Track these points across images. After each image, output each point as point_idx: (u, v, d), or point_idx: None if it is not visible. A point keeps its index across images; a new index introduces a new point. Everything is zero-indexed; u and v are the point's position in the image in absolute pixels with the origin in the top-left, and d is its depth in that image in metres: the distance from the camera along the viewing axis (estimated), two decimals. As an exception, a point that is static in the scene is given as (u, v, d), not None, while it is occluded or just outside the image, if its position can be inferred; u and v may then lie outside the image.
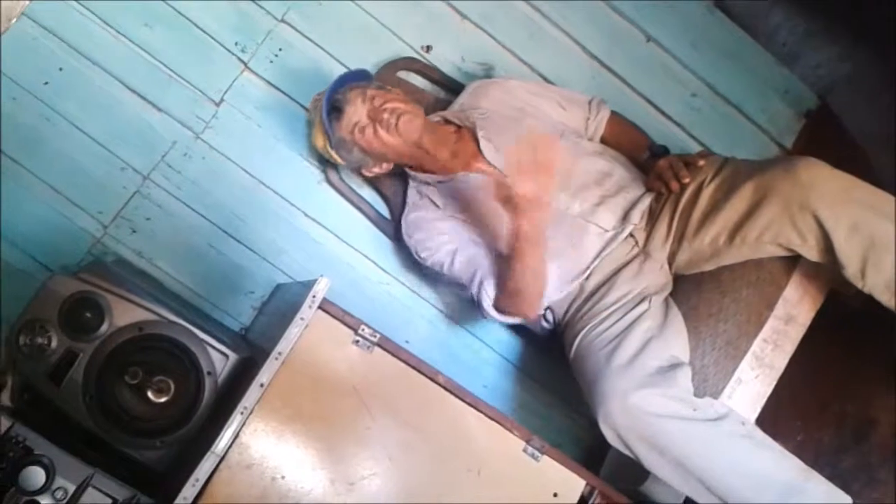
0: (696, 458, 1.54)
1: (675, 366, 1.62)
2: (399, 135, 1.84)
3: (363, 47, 2.16)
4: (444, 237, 1.89)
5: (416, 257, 1.95)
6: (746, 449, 1.56)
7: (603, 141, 2.07)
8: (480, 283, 1.81)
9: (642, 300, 1.76)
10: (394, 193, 2.10)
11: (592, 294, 1.82)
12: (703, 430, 1.55)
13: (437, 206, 1.94)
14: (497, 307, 1.81)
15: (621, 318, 1.73)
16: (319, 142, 1.96)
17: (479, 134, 1.90)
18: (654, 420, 1.54)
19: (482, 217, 1.88)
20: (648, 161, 1.95)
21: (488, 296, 1.80)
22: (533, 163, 1.57)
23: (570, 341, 1.78)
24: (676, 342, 1.71)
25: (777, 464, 1.55)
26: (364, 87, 1.90)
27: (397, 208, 2.07)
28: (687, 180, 1.77)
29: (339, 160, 1.97)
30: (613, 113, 2.08)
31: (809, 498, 1.52)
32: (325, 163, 2.09)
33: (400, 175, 2.06)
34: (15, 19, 1.96)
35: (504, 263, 1.76)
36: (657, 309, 1.77)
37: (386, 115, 1.84)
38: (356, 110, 1.86)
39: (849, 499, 1.53)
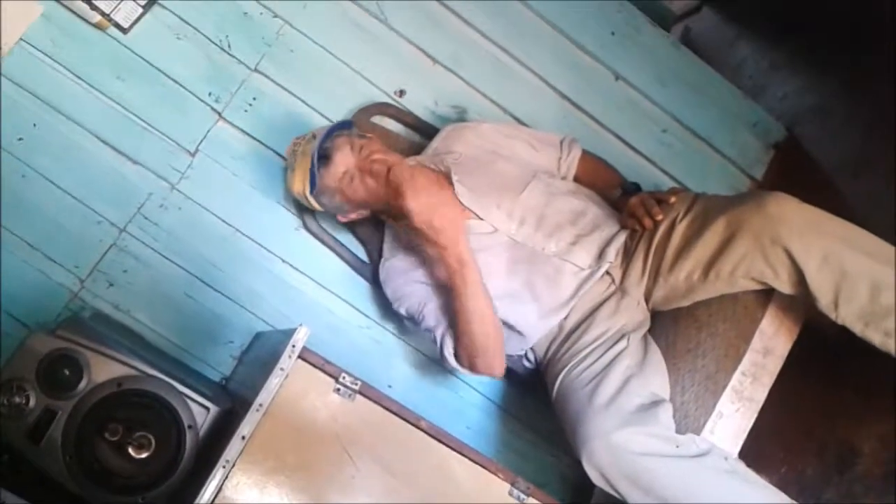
0: (681, 495, 1.54)
1: (656, 403, 1.62)
2: (387, 186, 1.84)
3: (337, 94, 2.18)
4: (417, 286, 1.91)
5: (393, 305, 1.97)
6: (730, 484, 1.56)
7: (576, 179, 2.09)
8: (443, 335, 1.85)
9: (621, 338, 1.78)
10: (371, 238, 2.11)
11: (571, 333, 1.83)
12: (686, 467, 1.55)
13: (413, 249, 1.95)
14: (460, 361, 1.84)
15: (601, 356, 1.74)
16: (297, 186, 1.94)
17: (454, 178, 1.92)
18: (637, 459, 1.54)
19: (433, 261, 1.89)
20: (621, 199, 1.98)
21: (449, 346, 1.84)
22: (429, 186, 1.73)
23: (552, 381, 1.79)
24: (656, 379, 1.72)
25: (762, 499, 1.56)
26: (349, 135, 1.92)
27: (375, 252, 2.08)
28: (660, 217, 1.79)
29: (316, 206, 1.97)
30: (585, 151, 2.11)
31: None
32: (301, 209, 2.09)
33: (376, 218, 2.07)
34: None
35: (452, 311, 1.81)
36: (636, 346, 1.78)
37: (377, 167, 1.85)
38: (344, 159, 1.87)
39: None
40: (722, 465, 1.58)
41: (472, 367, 1.84)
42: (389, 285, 1.95)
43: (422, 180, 1.77)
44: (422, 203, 1.73)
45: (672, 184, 2.37)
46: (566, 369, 1.75)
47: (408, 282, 1.92)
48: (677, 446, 1.56)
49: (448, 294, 1.82)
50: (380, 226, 2.06)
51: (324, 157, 1.88)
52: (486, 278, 1.85)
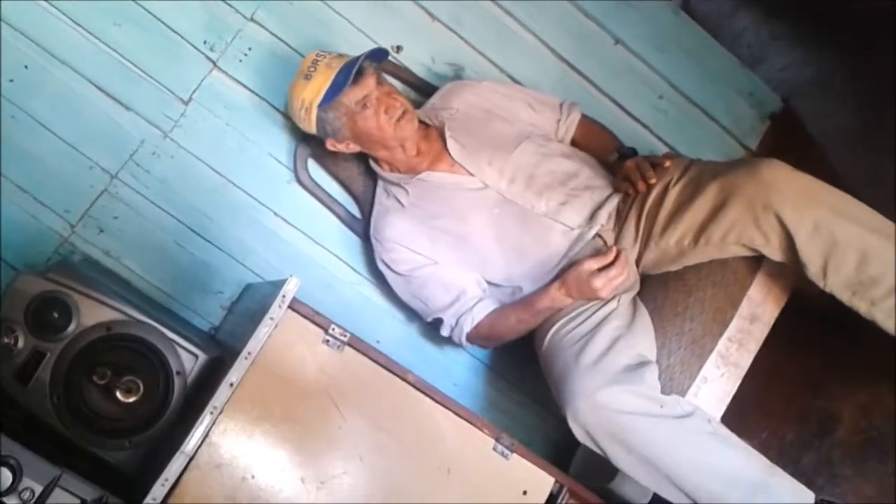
0: (663, 454, 1.56)
1: (642, 364, 1.64)
2: (396, 128, 1.86)
3: (333, 47, 2.14)
4: (417, 257, 1.92)
5: (378, 260, 1.98)
6: (712, 446, 1.58)
7: (573, 143, 2.09)
8: (469, 308, 1.89)
9: (611, 298, 1.79)
10: (364, 193, 2.10)
11: (561, 294, 1.85)
12: (669, 427, 1.57)
13: (402, 205, 1.95)
14: (471, 340, 1.93)
15: (590, 316, 1.75)
16: (307, 95, 1.85)
17: (447, 134, 1.92)
18: (621, 417, 1.55)
19: (459, 228, 1.91)
20: (617, 163, 1.98)
21: (466, 328, 1.90)
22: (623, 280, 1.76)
23: (541, 339, 1.80)
24: (644, 341, 1.73)
25: (742, 461, 1.58)
26: (377, 68, 1.91)
27: (367, 208, 2.08)
28: (653, 181, 1.80)
29: (310, 122, 1.89)
30: (584, 116, 2.11)
31: (774, 495, 1.54)
32: (296, 133, 2.06)
33: (369, 174, 2.06)
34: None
35: (510, 309, 1.88)
36: (625, 308, 1.79)
37: (397, 105, 1.86)
38: (369, 85, 1.85)
39: (812, 495, 1.56)
40: (704, 427, 1.60)
41: (478, 346, 2.00)
42: (382, 242, 1.95)
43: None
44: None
45: (666, 150, 2.37)
46: (555, 328, 1.76)
47: (407, 249, 1.93)
48: (661, 406, 1.57)
49: (518, 305, 1.90)
50: (373, 180, 2.05)
51: (359, 74, 1.84)
52: (476, 236, 1.87)
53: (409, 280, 1.95)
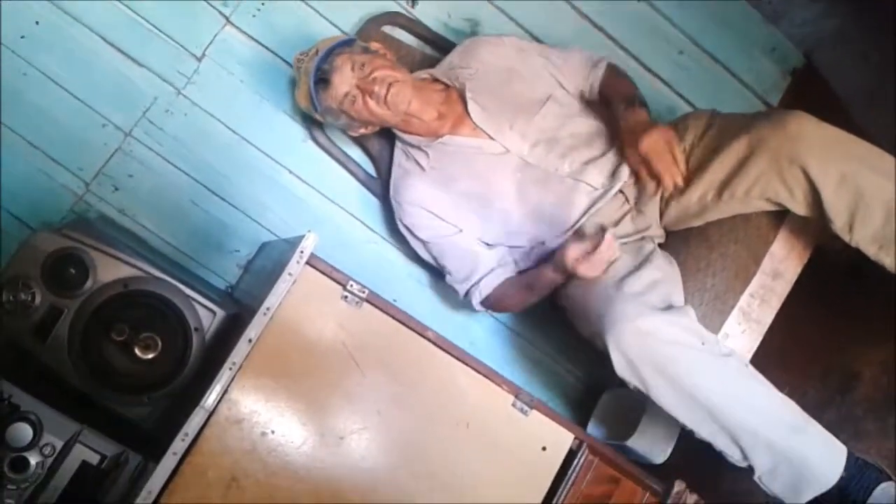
0: (706, 388, 1.52)
1: (680, 307, 1.62)
2: (388, 107, 1.83)
3: (347, 1, 2.12)
4: (438, 223, 1.91)
5: (399, 223, 1.97)
6: (753, 386, 1.56)
7: (600, 93, 1.98)
8: (476, 282, 1.90)
9: (643, 239, 1.77)
10: (380, 152, 2.08)
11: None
12: (712, 363, 1.54)
13: (422, 168, 1.92)
14: (485, 304, 1.94)
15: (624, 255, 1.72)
16: (303, 103, 1.92)
17: (468, 95, 1.88)
18: (664, 347, 1.52)
19: (481, 191, 1.89)
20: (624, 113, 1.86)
21: (482, 294, 1.90)
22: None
23: (567, 286, 1.78)
24: (676, 293, 1.70)
25: (781, 404, 1.56)
26: (350, 52, 1.85)
27: (384, 167, 2.06)
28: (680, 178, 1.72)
29: (326, 122, 1.96)
30: (612, 67, 2.00)
31: (810, 440, 1.53)
32: (310, 121, 2.06)
33: (386, 133, 2.04)
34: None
35: (515, 288, 1.89)
36: (660, 253, 1.78)
37: (376, 88, 1.81)
38: (343, 80, 1.82)
39: (845, 450, 1.53)
40: (744, 369, 1.58)
41: (495, 311, 2.04)
42: (402, 204, 1.94)
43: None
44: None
45: (686, 107, 2.34)
46: None
47: (429, 212, 1.92)
48: (703, 343, 1.54)
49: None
50: (390, 139, 2.02)
51: (322, 80, 1.83)
52: (498, 199, 1.85)
53: (428, 246, 1.95)
